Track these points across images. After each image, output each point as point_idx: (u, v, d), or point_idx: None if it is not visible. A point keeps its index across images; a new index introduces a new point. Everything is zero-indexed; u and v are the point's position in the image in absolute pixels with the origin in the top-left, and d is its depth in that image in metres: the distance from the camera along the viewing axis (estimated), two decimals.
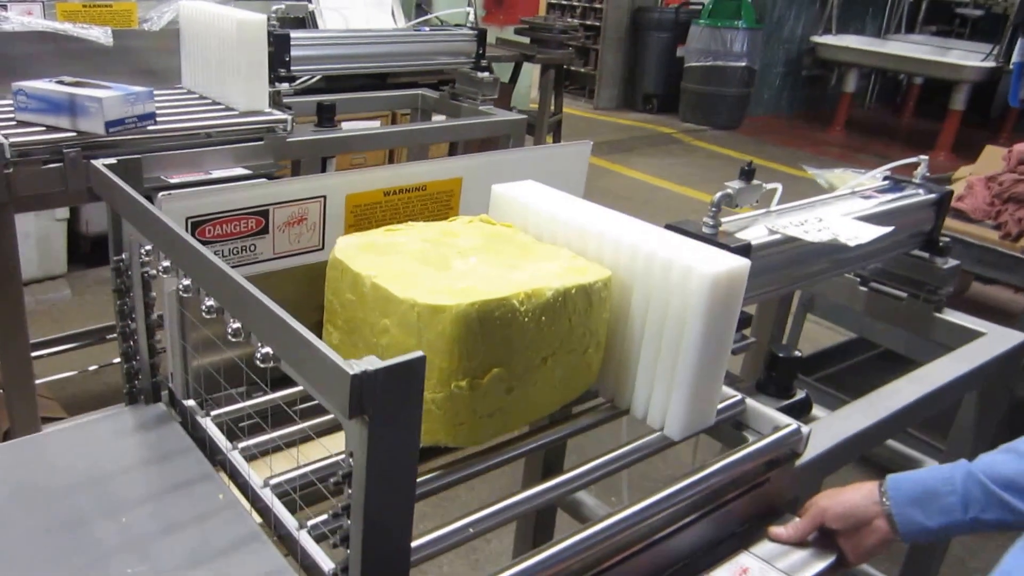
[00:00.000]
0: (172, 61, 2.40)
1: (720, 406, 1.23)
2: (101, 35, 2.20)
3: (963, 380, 1.56)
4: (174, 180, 1.95)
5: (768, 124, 8.75)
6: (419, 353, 0.67)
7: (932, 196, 1.79)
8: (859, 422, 1.35)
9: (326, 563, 0.86)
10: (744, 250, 1.32)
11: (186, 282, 0.91)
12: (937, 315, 1.81)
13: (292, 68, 2.38)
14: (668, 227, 1.41)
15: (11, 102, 1.92)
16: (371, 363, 0.65)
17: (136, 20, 2.38)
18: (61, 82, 1.91)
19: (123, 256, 1.10)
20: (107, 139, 1.88)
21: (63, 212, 3.81)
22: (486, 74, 2.83)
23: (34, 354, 2.64)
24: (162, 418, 1.18)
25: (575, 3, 9.29)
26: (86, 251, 4.03)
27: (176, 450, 1.11)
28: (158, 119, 2.01)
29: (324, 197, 1.24)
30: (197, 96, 2.33)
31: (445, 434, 1.02)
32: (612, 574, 1.00)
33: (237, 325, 0.82)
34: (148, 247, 1.06)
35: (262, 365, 0.76)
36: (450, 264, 1.08)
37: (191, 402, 1.15)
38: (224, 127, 2.11)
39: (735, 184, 1.42)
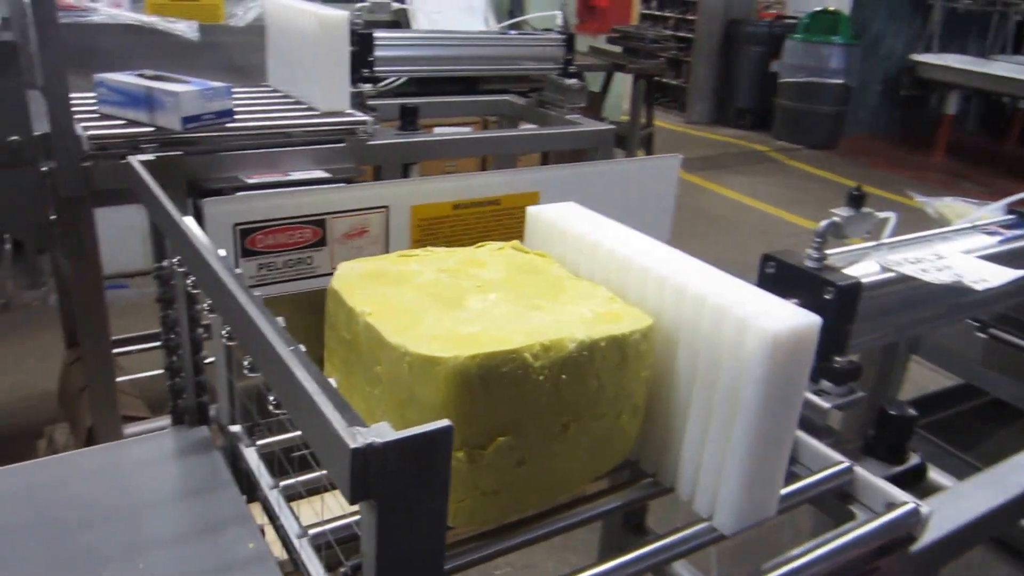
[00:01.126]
0: (258, 58, 2.38)
1: (823, 474, 1.07)
2: (187, 29, 2.18)
3: None
4: (252, 180, 1.91)
5: (864, 145, 8.41)
6: (444, 423, 0.53)
7: None
8: (987, 501, 1.16)
9: None
10: (853, 289, 1.18)
11: (196, 292, 0.83)
12: None
13: (376, 69, 2.33)
14: (765, 257, 1.28)
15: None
16: (380, 433, 0.51)
17: (223, 15, 2.37)
18: (142, 75, 1.89)
19: (164, 264, 1.03)
20: (184, 135, 1.84)
21: None
22: (574, 81, 2.73)
23: (121, 350, 2.65)
24: (204, 444, 1.09)
25: (668, 14, 9.13)
26: None
27: (212, 484, 1.02)
28: (237, 116, 1.97)
29: (387, 208, 1.15)
30: (281, 94, 2.29)
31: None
32: None
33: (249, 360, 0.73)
34: (174, 261, 0.98)
35: (275, 411, 0.67)
36: (464, 302, 0.93)
37: (237, 428, 1.06)
38: (303, 127, 2.06)
39: (843, 212, 1.27)
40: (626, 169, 1.42)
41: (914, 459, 1.21)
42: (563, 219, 1.10)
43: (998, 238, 1.55)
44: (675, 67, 8.78)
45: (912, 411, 1.23)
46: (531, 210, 1.13)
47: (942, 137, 8.22)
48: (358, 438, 0.51)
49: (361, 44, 2.27)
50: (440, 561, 0.59)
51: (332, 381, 0.92)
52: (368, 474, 0.51)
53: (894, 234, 1.40)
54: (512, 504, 0.89)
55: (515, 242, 1.11)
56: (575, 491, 0.98)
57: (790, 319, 0.85)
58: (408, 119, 2.38)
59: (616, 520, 1.53)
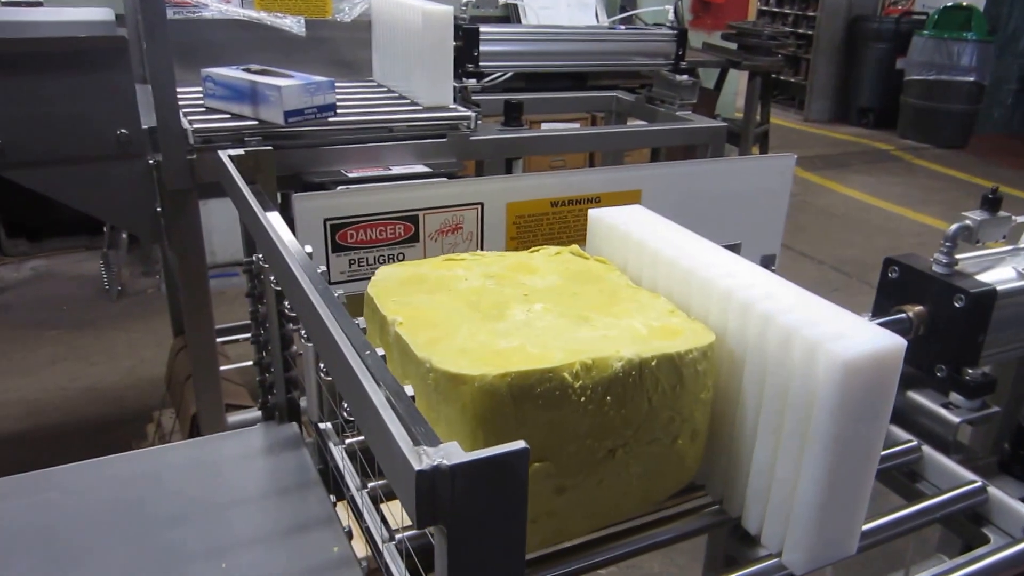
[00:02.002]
0: (364, 53, 2.38)
1: (953, 494, 0.99)
2: (294, 25, 2.18)
3: None
4: (353, 175, 1.89)
5: (998, 145, 7.91)
6: (519, 444, 0.48)
7: None
8: None
9: None
10: (988, 297, 1.07)
11: (279, 289, 0.79)
12: None
13: (482, 64, 2.28)
14: (888, 261, 1.18)
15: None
16: (448, 455, 0.47)
17: (330, 10, 2.37)
18: (247, 69, 1.90)
19: (254, 259, 1.00)
20: (287, 129, 1.84)
21: None
22: (685, 77, 2.62)
23: (226, 339, 2.70)
24: (292, 442, 1.06)
25: (787, 11, 8.81)
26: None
27: (300, 483, 0.99)
28: (340, 111, 1.96)
29: (481, 204, 1.10)
30: (385, 90, 2.28)
31: None
32: None
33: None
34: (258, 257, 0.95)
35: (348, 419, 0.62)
36: (506, 312, 0.86)
37: (327, 425, 1.03)
38: (405, 122, 2.03)
39: (976, 215, 1.16)
40: (735, 168, 1.32)
41: None
42: (626, 223, 1.02)
43: None
44: (793, 64, 8.48)
45: None
46: (593, 213, 1.05)
47: None
48: (424, 459, 0.46)
49: (466, 39, 2.23)
50: None
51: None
52: (436, 498, 0.47)
53: None
54: (554, 532, 0.82)
55: (574, 247, 1.03)
56: (627, 517, 0.90)
57: (868, 342, 0.75)
58: (512, 115, 2.33)
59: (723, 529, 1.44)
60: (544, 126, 3.11)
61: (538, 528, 0.80)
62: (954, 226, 1.12)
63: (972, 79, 7.26)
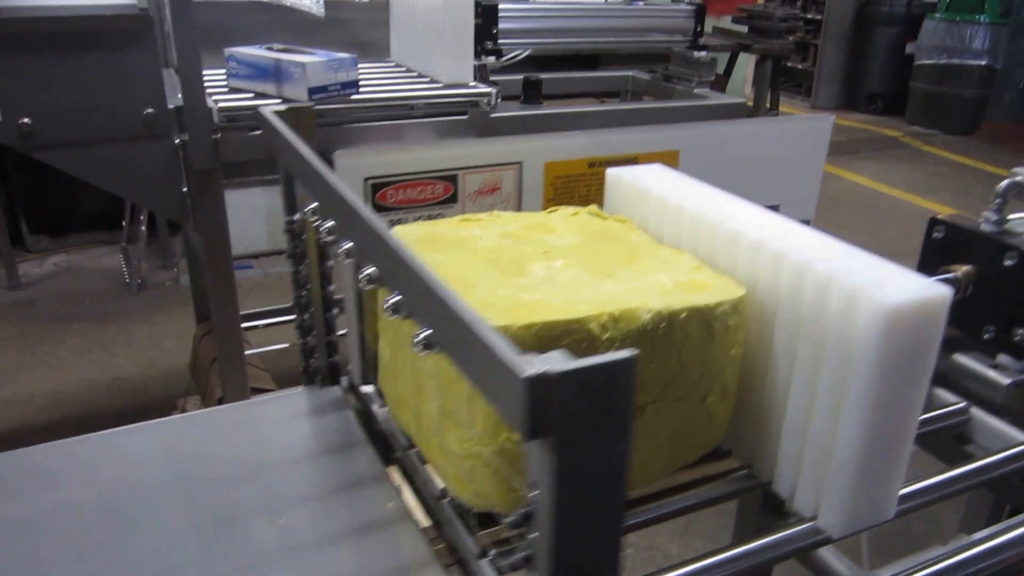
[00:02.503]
0: (382, 33, 2.37)
1: (1004, 454, 0.96)
2: (313, 5, 2.18)
3: None
4: None
5: (1010, 131, 7.86)
6: (629, 352, 0.47)
7: None
8: None
9: None
10: None
11: (347, 245, 0.78)
12: None
13: (500, 42, 2.27)
14: (933, 222, 1.17)
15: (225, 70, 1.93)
16: (556, 362, 0.45)
17: None
18: (270, 48, 1.90)
19: (295, 217, 1.00)
20: (312, 106, 1.84)
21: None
22: (704, 54, 2.61)
23: (248, 324, 2.70)
24: (337, 404, 1.06)
25: None
26: None
27: (347, 443, 0.98)
28: (362, 89, 1.95)
29: (520, 164, 1.09)
30: (404, 69, 2.27)
31: (498, 499, 0.77)
32: None
33: (396, 299, 0.67)
34: (307, 210, 0.93)
35: (422, 352, 0.61)
36: (526, 268, 0.84)
37: (369, 388, 1.03)
38: (426, 99, 2.03)
39: None
40: (774, 128, 1.32)
41: None
42: (646, 181, 1.00)
43: None
44: (801, 50, 8.44)
45: None
46: (612, 172, 1.03)
47: None
48: (529, 367, 0.45)
49: (485, 16, 2.22)
50: (621, 516, 0.52)
51: (386, 356, 0.88)
52: (546, 407, 0.45)
53: None
54: None
55: (592, 207, 1.01)
56: (654, 482, 0.87)
57: (912, 291, 0.73)
58: (532, 92, 2.33)
59: (753, 499, 1.43)
60: None
61: None
62: (1005, 182, 1.11)
63: (984, 63, 7.21)
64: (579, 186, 1.14)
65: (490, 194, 1.07)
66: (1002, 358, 1.13)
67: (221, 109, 1.78)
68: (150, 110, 1.73)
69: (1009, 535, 0.89)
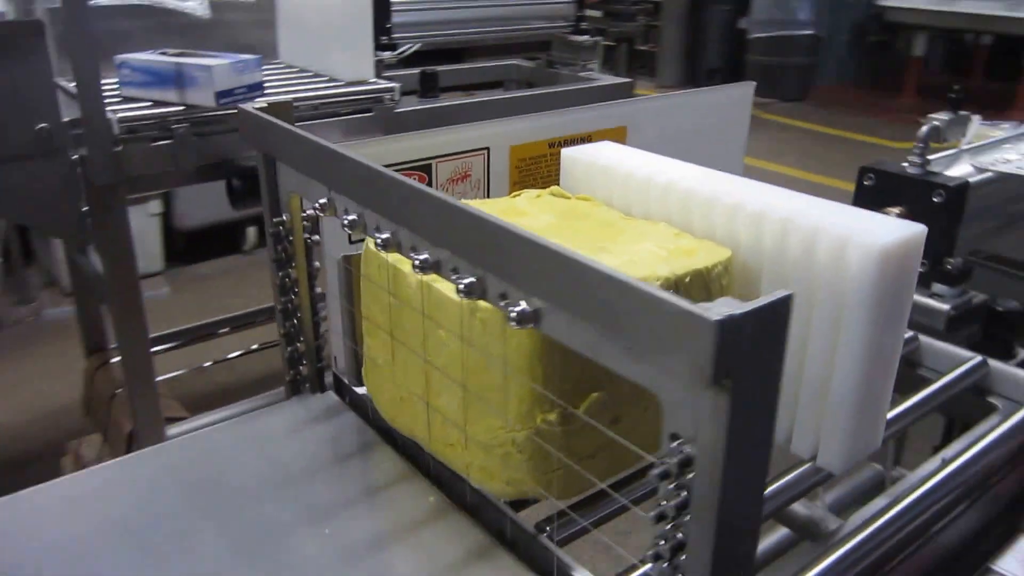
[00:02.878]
0: (268, 34, 2.29)
1: (958, 372, 1.05)
2: (197, 6, 2.09)
3: None
4: None
5: (836, 94, 8.44)
6: (784, 292, 0.50)
7: None
8: None
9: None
10: (963, 189, 1.17)
11: (386, 235, 0.77)
12: None
13: (394, 36, 2.26)
14: (863, 170, 1.26)
15: (114, 79, 1.82)
16: (728, 306, 0.48)
17: None
18: (164, 53, 1.81)
19: (284, 217, 0.97)
20: (217, 112, 1.77)
21: (156, 207, 3.74)
22: (586, 38, 2.68)
23: (156, 349, 2.55)
24: (336, 409, 1.03)
25: None
26: (181, 248, 3.95)
27: (363, 445, 0.96)
28: (264, 92, 1.89)
29: (488, 149, 1.10)
30: (296, 69, 2.21)
31: (532, 484, 0.78)
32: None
33: (470, 280, 0.67)
34: (317, 205, 0.90)
35: (519, 326, 0.61)
36: None
37: (363, 390, 1.00)
38: (331, 98, 1.99)
39: (942, 116, 1.28)
40: (705, 99, 1.38)
41: (1022, 354, 1.20)
42: (606, 158, 1.02)
43: None
44: (643, 33, 8.74)
45: (1020, 306, 1.22)
46: (568, 152, 1.04)
47: (911, 79, 8.28)
48: (712, 312, 0.47)
49: (378, 10, 2.19)
50: (768, 457, 0.55)
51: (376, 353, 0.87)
52: (730, 350, 0.48)
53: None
54: (606, 468, 0.81)
55: (555, 187, 1.03)
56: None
57: (895, 231, 0.78)
58: (429, 86, 2.32)
59: None
60: None
61: (595, 464, 0.79)
62: (925, 127, 1.22)
63: (810, 32, 7.70)
64: (540, 167, 1.15)
65: (462, 181, 1.07)
66: (937, 287, 1.23)
67: (121, 120, 1.68)
68: (43, 124, 1.62)
69: (981, 444, 0.96)
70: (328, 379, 1.07)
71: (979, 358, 1.09)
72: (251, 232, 4.02)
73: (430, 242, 0.70)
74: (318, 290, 1.01)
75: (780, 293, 0.49)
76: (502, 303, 0.64)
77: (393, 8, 2.26)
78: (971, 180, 1.21)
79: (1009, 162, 1.31)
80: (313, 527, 0.83)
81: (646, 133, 1.23)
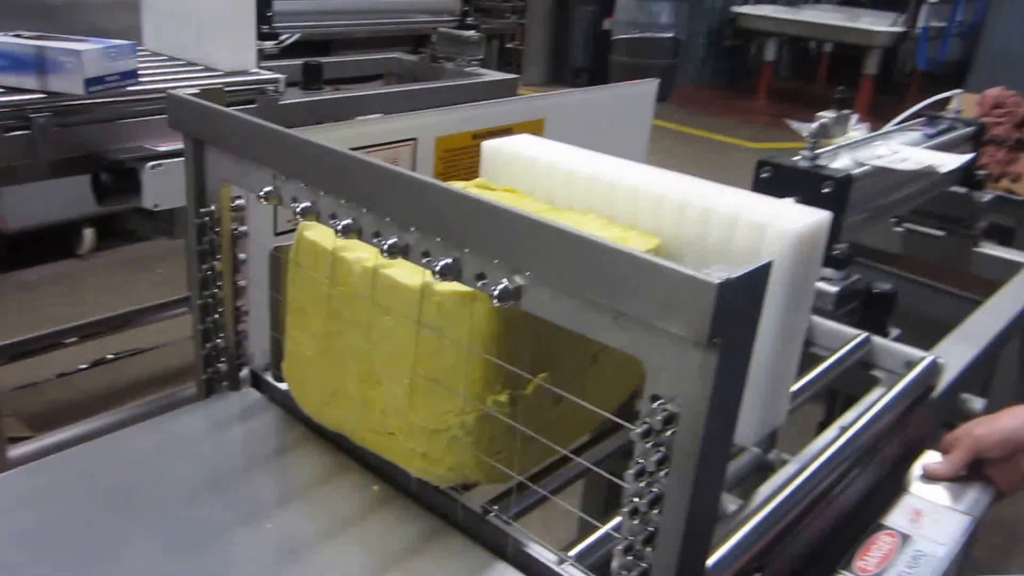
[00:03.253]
0: (131, 19, 2.13)
1: (847, 348, 1.14)
2: None
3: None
4: (162, 148, 1.70)
5: (694, 95, 8.75)
6: (766, 260, 0.55)
7: (970, 130, 1.78)
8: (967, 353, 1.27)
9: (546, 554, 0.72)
10: (847, 181, 1.23)
11: (347, 222, 0.72)
12: (976, 249, 1.79)
13: (275, 25, 2.14)
14: (761, 163, 1.29)
15: None
16: (724, 271, 0.53)
17: None
18: (19, 36, 1.64)
19: (213, 208, 0.90)
20: (84, 101, 1.61)
21: None
22: (472, 33, 2.63)
23: None
24: (260, 405, 0.97)
25: None
26: (2, 252, 3.59)
27: (294, 440, 0.91)
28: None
29: (415, 140, 1.05)
30: (167, 58, 2.06)
31: (477, 468, 0.79)
32: (798, 535, 0.88)
33: (446, 262, 0.64)
34: (262, 193, 0.84)
35: (500, 303, 0.59)
36: None
37: (285, 385, 0.94)
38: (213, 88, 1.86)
39: (829, 114, 1.37)
40: (613, 94, 1.40)
41: (895, 332, 1.28)
42: (527, 150, 1.02)
43: (920, 133, 1.67)
44: (514, 30, 8.79)
45: (893, 288, 1.31)
46: (489, 144, 1.03)
47: (763, 83, 8.70)
48: (710, 275, 0.53)
49: None
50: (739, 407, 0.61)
51: (306, 347, 0.85)
52: (724, 311, 0.53)
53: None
54: (546, 450, 0.82)
55: (480, 179, 1.01)
56: (600, 424, 0.93)
57: (806, 216, 0.84)
58: (312, 77, 2.22)
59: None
60: None
61: (536, 447, 0.80)
62: (814, 125, 1.29)
63: (671, 35, 7.94)
64: (464, 158, 1.11)
65: None
66: (825, 271, 1.28)
67: None
68: None
69: (871, 413, 1.02)
70: (244, 375, 1.01)
71: (864, 335, 1.19)
72: (88, 234, 3.66)
73: (398, 226, 0.67)
74: (242, 283, 0.94)
75: (762, 260, 0.55)
76: (479, 283, 0.64)
77: None
78: (853, 173, 1.27)
79: (882, 157, 1.37)
80: (252, 526, 0.78)
81: (561, 126, 1.21)
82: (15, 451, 1.95)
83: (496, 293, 0.62)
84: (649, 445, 0.59)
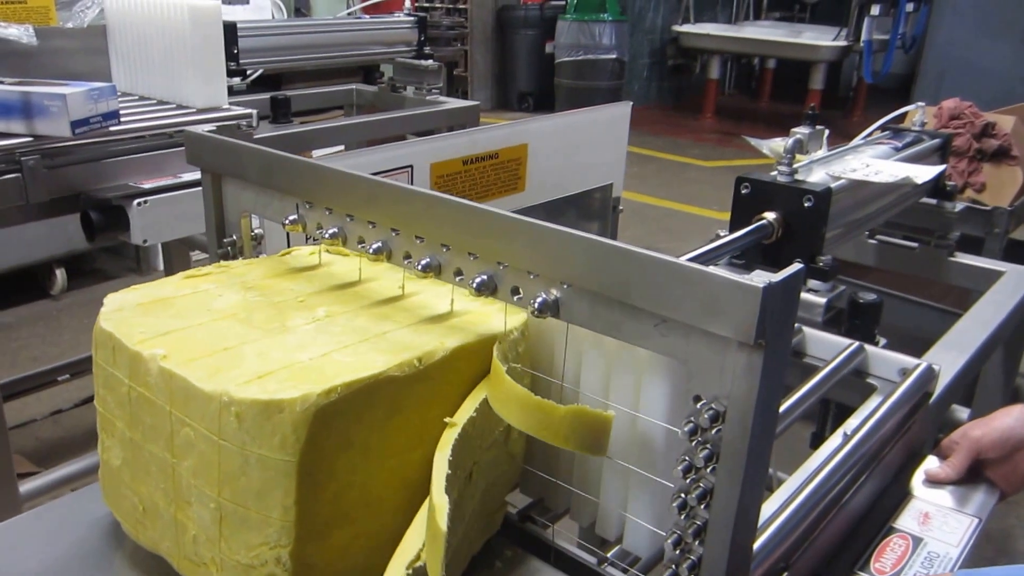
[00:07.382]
0: (101, 62, 2.16)
1: (841, 358, 1.16)
2: (23, 34, 1.94)
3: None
4: (147, 185, 1.74)
5: (641, 115, 8.81)
6: (799, 266, 0.59)
7: (937, 141, 1.81)
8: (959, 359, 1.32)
9: None
10: (828, 194, 1.27)
11: (376, 245, 0.76)
12: (951, 259, 1.82)
13: (241, 61, 2.19)
14: (740, 179, 1.35)
15: None
16: (763, 277, 0.57)
17: (55, 17, 2.12)
18: (1, 83, 1.67)
19: (235, 237, 0.95)
20: (70, 143, 1.65)
21: None
22: (431, 62, 2.71)
23: None
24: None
25: (437, 4, 9.18)
26: None
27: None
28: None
29: (411, 167, 1.11)
30: (137, 98, 2.10)
31: None
32: (818, 537, 0.92)
33: (482, 279, 0.69)
34: (287, 221, 0.87)
35: (539, 315, 0.64)
36: (289, 323, 0.74)
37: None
38: (188, 125, 1.90)
39: (804, 130, 1.44)
40: (592, 117, 1.46)
41: (883, 341, 1.32)
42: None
43: (890, 146, 1.73)
44: (461, 57, 8.86)
45: (879, 298, 1.35)
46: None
47: (709, 101, 8.85)
48: (756, 281, 0.56)
49: (225, 36, 2.12)
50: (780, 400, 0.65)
51: (115, 456, 0.76)
52: (767, 313, 0.57)
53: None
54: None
55: (323, 245, 0.92)
56: (478, 547, 0.80)
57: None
58: (281, 111, 2.27)
59: None
60: None
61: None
62: (791, 140, 1.33)
63: (614, 56, 8.09)
64: (457, 183, 1.18)
65: None
66: (812, 283, 1.35)
67: None
68: None
69: (873, 419, 1.05)
70: None
71: (857, 344, 1.20)
72: (60, 274, 3.67)
73: (430, 246, 0.72)
74: None
75: (795, 266, 0.59)
76: (515, 298, 0.68)
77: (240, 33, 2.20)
78: (832, 186, 1.32)
79: (856, 171, 1.44)
80: None
81: (545, 149, 1.28)
82: (25, 486, 1.99)
83: (536, 306, 0.66)
84: (695, 443, 0.63)
